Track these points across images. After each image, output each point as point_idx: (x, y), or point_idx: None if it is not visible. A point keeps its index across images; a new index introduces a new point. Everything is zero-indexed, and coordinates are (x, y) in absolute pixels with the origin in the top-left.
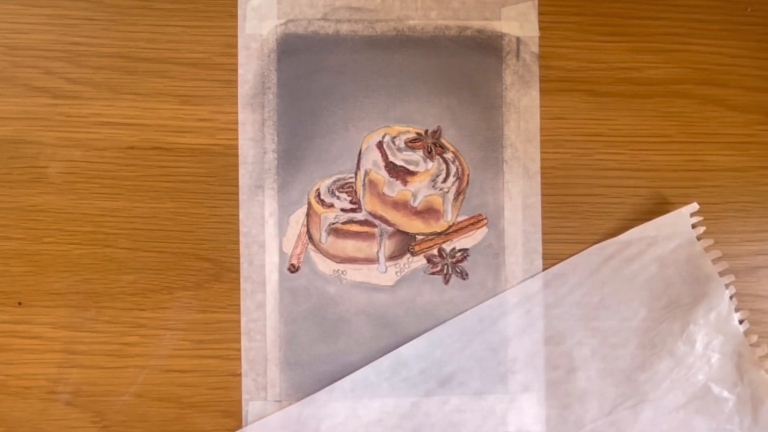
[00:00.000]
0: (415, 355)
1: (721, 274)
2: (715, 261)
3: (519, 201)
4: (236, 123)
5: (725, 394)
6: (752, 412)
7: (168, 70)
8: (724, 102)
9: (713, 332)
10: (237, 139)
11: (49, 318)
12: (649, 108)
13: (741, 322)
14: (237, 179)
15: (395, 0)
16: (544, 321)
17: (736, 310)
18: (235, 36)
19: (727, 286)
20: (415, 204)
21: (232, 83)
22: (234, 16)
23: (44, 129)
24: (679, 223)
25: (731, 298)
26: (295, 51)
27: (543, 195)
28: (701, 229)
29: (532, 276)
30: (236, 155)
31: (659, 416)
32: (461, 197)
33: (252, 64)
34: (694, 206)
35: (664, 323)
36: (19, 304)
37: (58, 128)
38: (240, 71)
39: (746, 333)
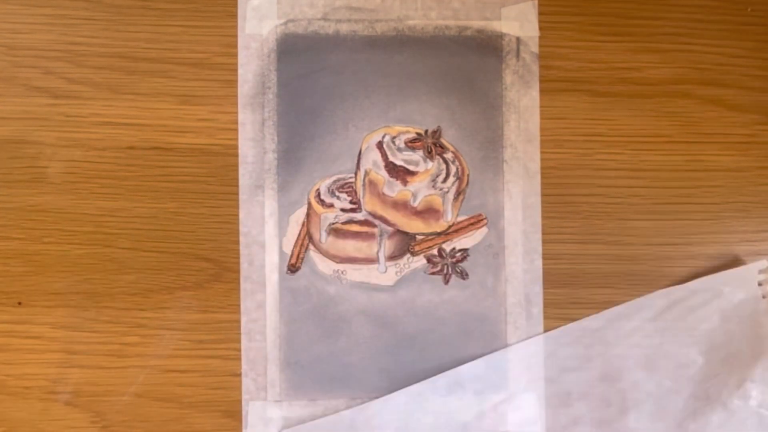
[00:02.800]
0: (472, 376)
1: None
2: None
3: (519, 201)
4: (236, 123)
5: None
6: None
7: (168, 70)
8: (724, 102)
9: None
10: (237, 139)
11: (49, 318)
12: (649, 108)
13: None
14: (237, 179)
15: (395, 0)
16: (602, 358)
17: None
18: (235, 36)
19: None
20: (415, 204)
21: (232, 83)
22: (234, 16)
23: (44, 129)
24: (747, 278)
25: None
26: (295, 51)
27: (543, 195)
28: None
29: (598, 313)
30: (236, 155)
31: None
32: (461, 197)
33: (252, 64)
34: (764, 263)
35: (720, 375)
36: (19, 304)
37: (58, 128)
38: (240, 71)
39: None
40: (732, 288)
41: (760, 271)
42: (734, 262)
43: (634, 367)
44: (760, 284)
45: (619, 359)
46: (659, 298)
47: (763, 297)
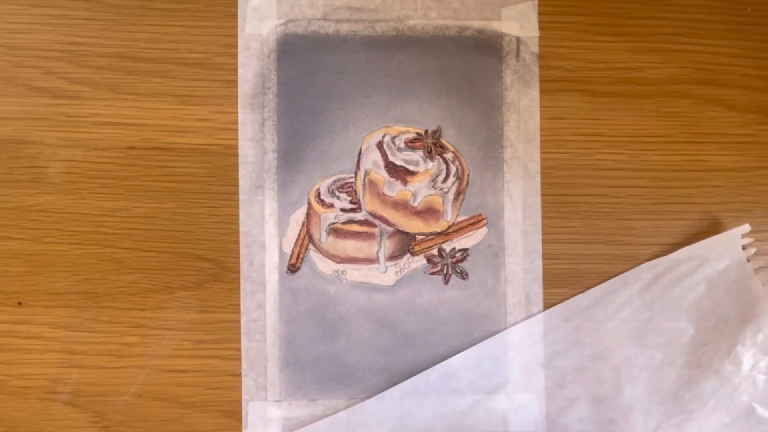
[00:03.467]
0: (464, 366)
1: None
2: (765, 283)
3: (519, 201)
4: (236, 123)
5: None
6: None
7: (168, 70)
8: (724, 102)
9: (760, 353)
10: (237, 139)
11: (49, 318)
12: (649, 108)
13: None
14: (237, 179)
15: (395, 0)
16: (593, 336)
17: None
18: (235, 36)
19: None
20: (415, 204)
21: (232, 83)
22: (234, 16)
23: (44, 129)
24: (730, 243)
25: None
26: (295, 51)
27: (543, 195)
28: (752, 251)
29: (584, 291)
30: (236, 155)
31: None
32: (461, 197)
33: (252, 64)
34: (746, 228)
35: (711, 343)
36: (19, 304)
37: (58, 128)
38: (240, 71)
39: None
40: (716, 255)
41: (743, 236)
42: (715, 226)
43: (625, 343)
44: (743, 248)
45: (610, 336)
46: (644, 271)
47: (748, 261)
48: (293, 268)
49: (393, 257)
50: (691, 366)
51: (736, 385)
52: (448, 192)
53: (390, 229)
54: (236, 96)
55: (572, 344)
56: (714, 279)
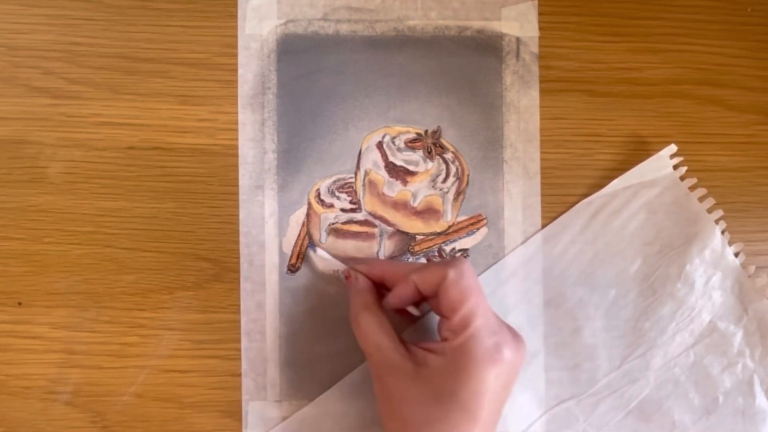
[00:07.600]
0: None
1: (710, 210)
2: (701, 199)
3: (519, 201)
4: (236, 123)
5: (732, 328)
6: (761, 342)
7: (168, 70)
8: (724, 102)
9: (710, 269)
10: (237, 139)
11: (49, 318)
12: (649, 108)
13: (736, 255)
14: (237, 179)
15: (395, 0)
16: (542, 285)
17: (730, 243)
18: (235, 36)
19: (717, 221)
20: (415, 204)
21: (232, 83)
22: (234, 16)
23: (44, 129)
24: (660, 166)
25: (723, 232)
26: (295, 51)
27: (543, 195)
28: (683, 170)
29: (524, 242)
30: (236, 155)
31: (670, 360)
32: (461, 197)
33: (252, 64)
34: (673, 148)
35: (660, 268)
36: (19, 304)
37: (58, 128)
38: (240, 71)
39: (743, 265)
40: (649, 180)
41: (672, 156)
42: (642, 146)
43: (576, 285)
44: (674, 169)
45: (558, 282)
46: (582, 210)
47: (681, 180)
48: (293, 268)
49: (393, 257)
50: (645, 295)
51: (692, 305)
52: (448, 192)
53: (390, 229)
54: (236, 96)
55: (522, 296)
56: (651, 204)
